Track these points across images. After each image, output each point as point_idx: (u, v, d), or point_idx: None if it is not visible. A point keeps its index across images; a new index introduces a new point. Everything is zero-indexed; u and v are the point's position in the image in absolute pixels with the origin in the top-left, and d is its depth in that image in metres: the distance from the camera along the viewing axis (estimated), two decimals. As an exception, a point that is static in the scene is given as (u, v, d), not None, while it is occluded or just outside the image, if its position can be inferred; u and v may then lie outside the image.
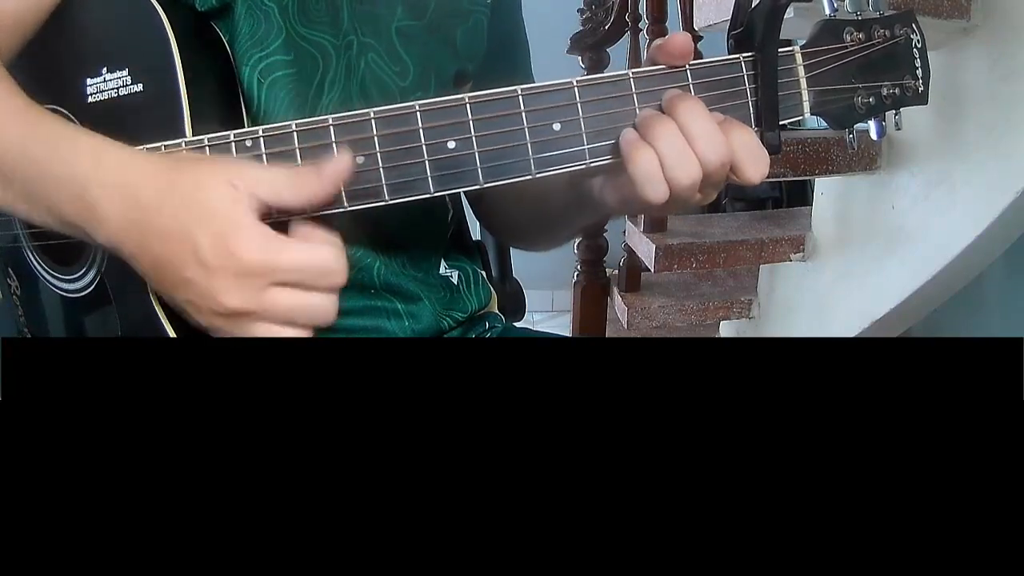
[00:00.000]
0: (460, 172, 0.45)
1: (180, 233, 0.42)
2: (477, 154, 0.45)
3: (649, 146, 0.45)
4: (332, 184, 0.43)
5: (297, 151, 0.45)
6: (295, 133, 0.45)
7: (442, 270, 0.67)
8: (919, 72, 0.50)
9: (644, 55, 1.61)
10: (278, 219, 0.44)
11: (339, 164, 0.43)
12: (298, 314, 0.43)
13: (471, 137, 0.44)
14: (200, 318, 0.44)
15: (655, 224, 1.48)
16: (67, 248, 0.56)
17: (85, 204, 0.43)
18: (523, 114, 0.45)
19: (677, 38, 0.46)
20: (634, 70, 0.46)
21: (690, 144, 0.44)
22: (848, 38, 0.48)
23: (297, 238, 0.43)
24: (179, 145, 0.47)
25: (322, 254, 0.43)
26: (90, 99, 0.50)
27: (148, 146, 0.46)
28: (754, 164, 0.45)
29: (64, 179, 0.44)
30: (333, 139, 0.44)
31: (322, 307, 0.44)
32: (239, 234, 0.41)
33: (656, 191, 0.45)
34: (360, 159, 0.44)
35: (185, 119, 0.48)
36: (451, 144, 0.44)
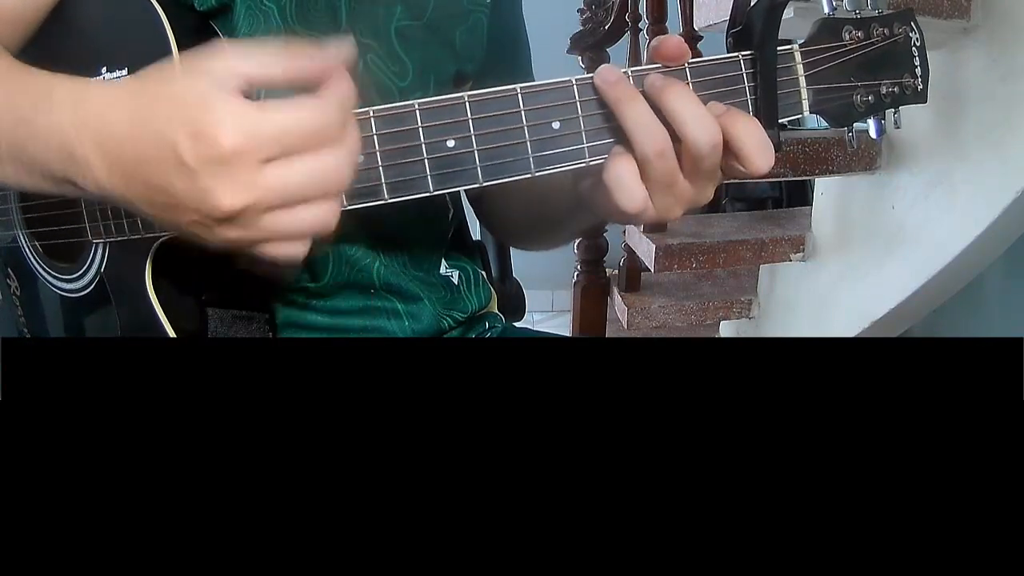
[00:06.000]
0: (459, 171, 0.45)
1: (156, 143, 0.38)
2: (476, 152, 0.45)
3: (627, 156, 0.45)
4: (326, 61, 0.39)
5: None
6: (294, 132, 0.45)
7: (442, 270, 0.67)
8: (918, 70, 0.50)
9: (644, 55, 1.62)
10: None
11: (338, 49, 0.40)
12: (307, 186, 0.39)
13: (470, 136, 0.44)
14: (212, 237, 0.40)
15: (655, 224, 1.48)
16: (67, 248, 0.56)
17: (69, 152, 0.41)
18: (522, 112, 0.45)
19: (670, 41, 0.46)
20: (633, 68, 0.46)
21: (678, 128, 0.44)
22: (847, 36, 0.48)
23: (280, 100, 0.38)
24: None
25: (308, 109, 0.38)
26: (90, 98, 0.50)
27: None
28: (761, 153, 0.45)
29: (47, 130, 0.41)
30: (332, 138, 0.44)
31: (329, 168, 0.39)
32: (212, 117, 0.37)
33: (629, 199, 0.45)
34: (359, 158, 0.44)
35: (184, 118, 0.48)
36: (450, 143, 0.44)
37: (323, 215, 0.40)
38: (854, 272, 1.35)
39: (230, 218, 0.38)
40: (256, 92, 0.39)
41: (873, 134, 0.51)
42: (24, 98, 0.43)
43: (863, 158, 1.27)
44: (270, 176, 0.38)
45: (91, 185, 0.41)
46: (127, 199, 0.41)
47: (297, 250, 0.41)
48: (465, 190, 0.61)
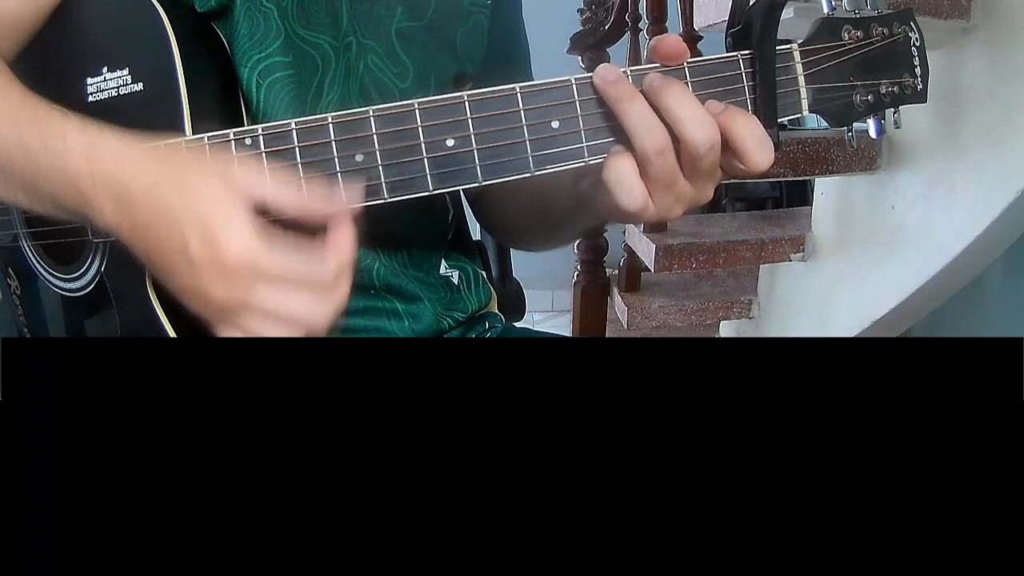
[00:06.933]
0: (459, 170, 0.45)
1: (167, 224, 0.42)
2: (476, 152, 0.45)
3: (626, 154, 0.45)
4: (340, 210, 0.43)
5: (296, 149, 0.45)
6: (294, 131, 0.45)
7: (442, 270, 0.67)
8: (918, 70, 0.50)
9: (644, 55, 1.62)
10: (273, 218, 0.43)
11: (349, 200, 0.44)
12: (285, 314, 0.43)
13: (470, 135, 0.45)
14: (193, 307, 0.44)
15: (655, 224, 1.48)
16: (67, 247, 0.56)
17: (80, 195, 0.44)
18: (521, 112, 0.45)
19: (668, 40, 0.46)
20: (632, 68, 0.46)
21: (676, 127, 0.44)
22: (846, 36, 0.48)
23: (287, 243, 0.42)
24: (179, 144, 0.47)
25: (309, 261, 0.42)
26: (90, 98, 0.50)
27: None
28: (760, 150, 0.45)
29: (58, 172, 0.44)
30: (332, 137, 0.44)
31: (312, 316, 0.43)
32: (224, 228, 0.41)
33: (629, 198, 0.45)
34: (359, 157, 0.44)
35: (185, 118, 0.49)
36: (450, 142, 0.45)
37: (289, 333, 0.43)
38: (854, 272, 1.35)
39: (215, 307, 0.43)
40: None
41: (873, 134, 0.51)
42: (34, 137, 0.45)
43: (863, 158, 1.27)
44: (259, 294, 0.42)
45: (101, 224, 0.45)
46: (131, 244, 0.44)
47: (253, 335, 0.44)
48: (464, 190, 0.61)
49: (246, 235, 0.41)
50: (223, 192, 0.42)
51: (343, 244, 0.43)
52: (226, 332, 0.44)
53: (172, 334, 0.50)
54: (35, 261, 0.59)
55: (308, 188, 0.44)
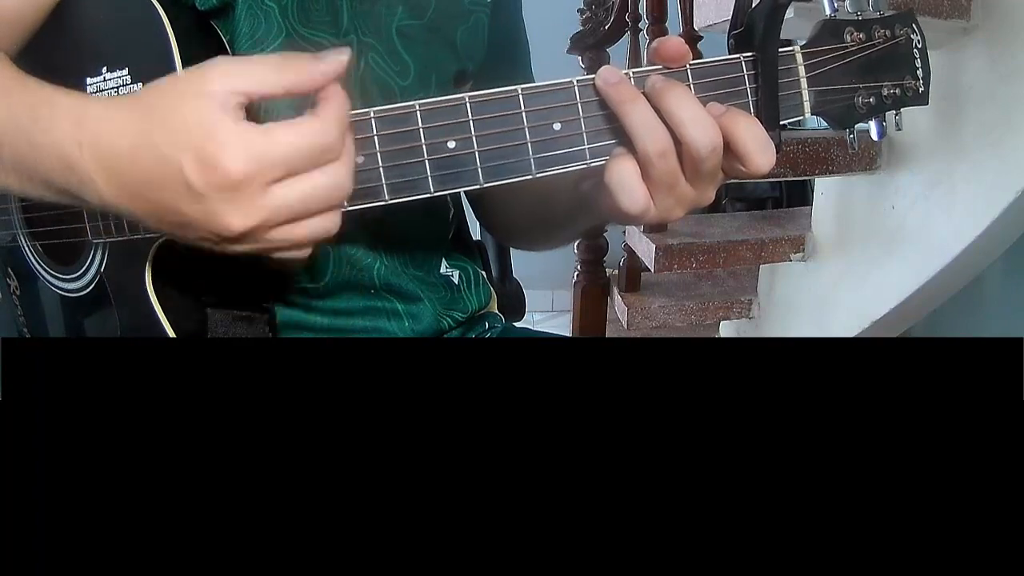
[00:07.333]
0: (460, 172, 0.45)
1: (163, 167, 0.39)
2: (477, 154, 0.45)
3: (628, 157, 0.45)
4: (325, 72, 0.40)
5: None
6: (295, 132, 0.45)
7: (443, 270, 0.67)
8: (920, 72, 0.50)
9: (644, 55, 1.62)
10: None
11: (337, 59, 0.40)
12: (311, 201, 0.40)
13: (471, 137, 0.44)
14: (220, 250, 0.42)
15: (655, 224, 1.48)
16: (67, 247, 0.56)
17: (69, 168, 0.42)
18: (523, 114, 0.45)
19: (671, 42, 0.46)
20: (634, 69, 0.46)
21: (678, 130, 0.44)
22: (848, 38, 0.48)
23: (282, 122, 0.39)
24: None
25: (310, 129, 0.39)
26: (90, 98, 0.50)
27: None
28: (762, 153, 0.45)
29: (48, 146, 0.42)
30: (333, 138, 0.44)
31: (333, 184, 0.40)
32: (218, 143, 0.38)
33: (631, 200, 0.45)
34: (360, 159, 0.44)
35: (185, 119, 0.48)
36: (451, 144, 0.44)
37: (326, 224, 0.42)
38: (854, 272, 1.35)
39: (239, 237, 0.40)
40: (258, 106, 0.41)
41: (874, 136, 0.51)
42: (24, 111, 0.44)
43: (863, 158, 1.28)
44: (277, 196, 0.39)
45: (94, 199, 0.42)
46: (133, 214, 0.42)
47: (302, 255, 0.43)
48: (465, 191, 0.61)
49: (241, 145, 0.38)
50: (206, 110, 0.39)
51: (336, 100, 0.40)
52: (268, 256, 0.42)
53: (172, 334, 0.50)
54: (35, 261, 0.59)
55: (288, 62, 0.41)
